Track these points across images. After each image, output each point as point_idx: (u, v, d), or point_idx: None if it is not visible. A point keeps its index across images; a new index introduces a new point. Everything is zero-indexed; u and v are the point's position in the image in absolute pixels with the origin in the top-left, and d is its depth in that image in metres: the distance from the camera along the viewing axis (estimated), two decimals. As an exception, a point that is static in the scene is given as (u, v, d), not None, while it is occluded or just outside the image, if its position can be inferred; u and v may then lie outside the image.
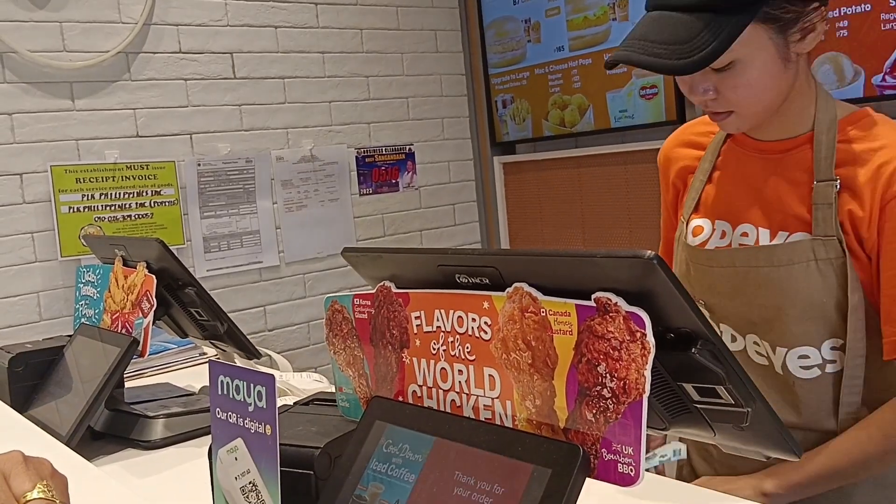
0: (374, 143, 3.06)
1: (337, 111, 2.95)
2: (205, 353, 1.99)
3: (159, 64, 2.57)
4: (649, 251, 0.62)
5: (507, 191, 3.26)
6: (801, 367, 1.08)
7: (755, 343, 1.11)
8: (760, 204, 1.11)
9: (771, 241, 1.08)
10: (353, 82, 2.99)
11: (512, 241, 3.28)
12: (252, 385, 0.84)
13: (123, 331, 1.44)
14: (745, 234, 1.12)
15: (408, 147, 3.15)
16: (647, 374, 0.63)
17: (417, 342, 0.84)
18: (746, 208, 1.13)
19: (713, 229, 1.16)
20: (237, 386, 0.86)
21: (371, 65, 3.03)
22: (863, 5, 2.05)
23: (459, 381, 0.80)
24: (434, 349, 0.82)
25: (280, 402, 1.03)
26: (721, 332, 1.15)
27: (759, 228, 1.11)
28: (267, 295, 2.78)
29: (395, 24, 3.10)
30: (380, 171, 3.07)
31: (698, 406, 0.71)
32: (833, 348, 1.06)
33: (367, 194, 3.05)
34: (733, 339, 1.15)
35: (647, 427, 0.74)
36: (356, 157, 3.01)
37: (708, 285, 1.15)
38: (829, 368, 1.07)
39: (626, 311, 0.64)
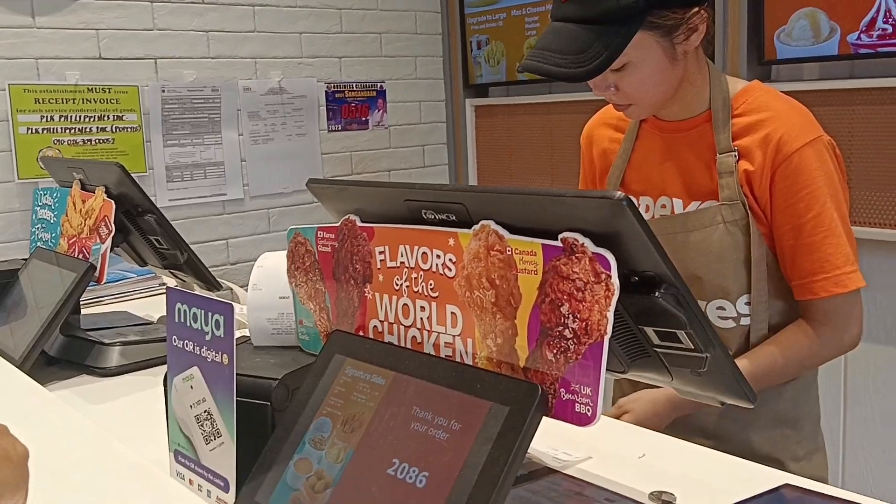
0: (345, 78, 3.00)
1: (307, 43, 2.88)
2: (164, 283, 1.97)
3: (124, -17, 2.47)
4: (619, 192, 0.62)
5: (478, 134, 3.23)
6: (718, 317, 1.21)
7: None
8: (674, 178, 1.24)
9: (685, 210, 1.23)
10: (325, 14, 2.91)
11: (481, 186, 3.27)
12: (210, 313, 0.82)
13: (80, 256, 1.41)
14: (663, 206, 1.26)
15: (379, 84, 3.09)
16: (610, 315, 0.63)
17: (380, 277, 0.83)
18: (663, 183, 1.26)
19: (637, 205, 1.27)
20: (195, 314, 0.85)
21: (344, -4, 2.96)
22: (844, -38, 2.04)
23: (421, 318, 0.79)
24: (397, 285, 0.81)
25: (239, 334, 1.02)
26: None
27: (674, 199, 1.24)
28: (230, 228, 2.74)
29: (370, -44, 3.01)
30: (349, 107, 3.02)
31: (658, 350, 0.71)
32: (747, 303, 1.19)
33: (335, 130, 2.99)
34: None
35: (606, 370, 0.74)
36: (326, 91, 2.95)
37: None
38: (743, 321, 1.20)
39: (593, 253, 0.63)
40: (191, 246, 1.38)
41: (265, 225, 2.82)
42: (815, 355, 1.20)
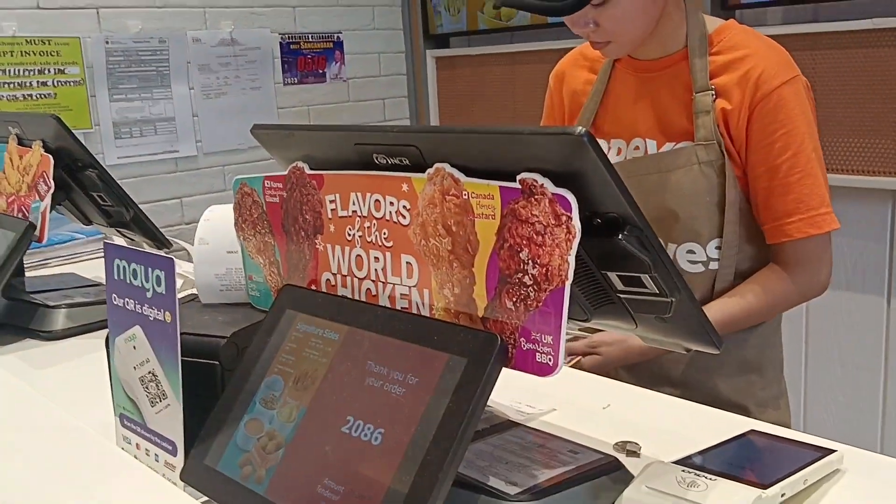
0: (300, 28, 2.90)
1: (260, -8, 2.78)
2: (115, 243, 1.90)
3: (61, -73, 2.34)
4: (580, 127, 0.58)
5: (440, 86, 3.16)
6: (688, 261, 1.20)
7: None
8: (648, 119, 1.21)
9: (659, 151, 1.20)
10: (277, -39, 2.80)
11: (442, 139, 3.21)
12: (150, 269, 0.77)
13: (20, 215, 1.35)
14: (636, 148, 1.23)
15: (336, 35, 3.00)
16: (571, 260, 0.59)
17: (332, 228, 0.79)
18: (636, 124, 1.23)
19: (609, 147, 1.25)
20: (134, 270, 0.80)
21: (297, -58, 2.85)
22: None
23: (375, 269, 0.75)
24: (349, 235, 0.77)
25: (189, 292, 0.97)
26: None
27: (648, 140, 1.21)
28: (183, 186, 2.66)
29: None
30: (306, 59, 2.92)
31: (622, 296, 0.68)
32: (717, 248, 1.18)
33: (291, 84, 2.90)
34: None
35: (569, 318, 0.71)
36: (280, 43, 2.85)
37: None
38: (712, 266, 1.19)
39: (553, 193, 0.60)
40: (143, 205, 1.32)
41: (220, 182, 2.74)
42: (789, 299, 1.19)
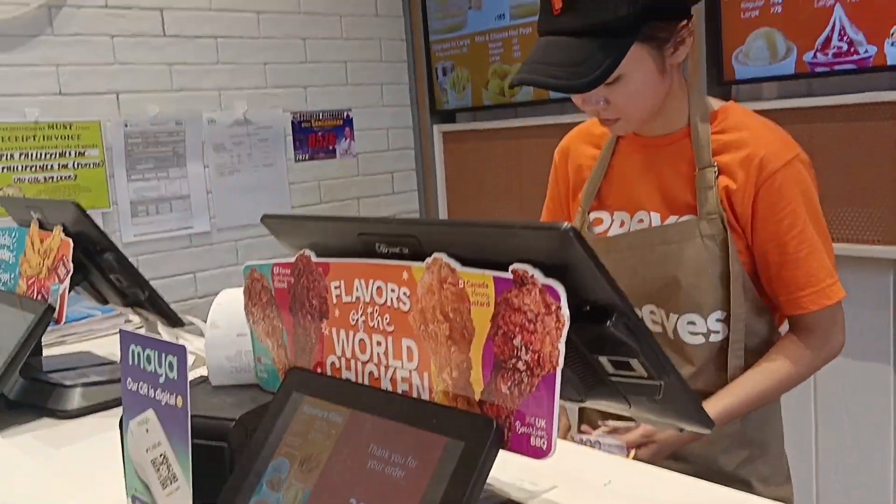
0: (311, 107, 2.99)
1: (272, 73, 2.88)
2: (131, 321, 1.94)
3: (84, 19, 2.44)
4: (566, 223, 0.62)
5: (447, 160, 3.24)
6: (689, 332, 1.22)
7: (651, 312, 1.25)
8: (652, 193, 1.25)
9: (662, 224, 1.23)
10: (289, 44, 2.91)
11: (450, 211, 3.27)
12: (163, 355, 0.81)
13: (39, 297, 1.39)
14: (641, 221, 1.26)
15: (346, 113, 3.10)
16: (561, 347, 0.62)
17: (337, 312, 0.83)
18: (641, 198, 1.26)
19: (612, 220, 1.29)
20: (148, 356, 0.83)
21: (308, 27, 2.96)
22: (797, -17, 2.08)
23: (378, 353, 0.78)
24: (353, 320, 0.81)
25: (201, 371, 1.01)
26: None
27: (652, 213, 1.24)
28: (197, 261, 2.71)
29: (333, -14, 3.02)
30: (316, 136, 3.01)
31: (613, 379, 0.71)
32: (718, 320, 1.20)
33: (303, 160, 2.99)
34: None
35: (564, 399, 0.74)
36: (292, 121, 2.95)
37: (611, 269, 1.23)
38: (713, 338, 1.21)
39: (543, 284, 0.63)
40: (158, 280, 1.37)
41: (233, 257, 2.80)
42: (811, 365, 1.22)
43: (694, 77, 2.30)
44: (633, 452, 1.15)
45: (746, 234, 1.19)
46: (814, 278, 1.17)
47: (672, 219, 1.22)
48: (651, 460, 1.13)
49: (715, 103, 1.25)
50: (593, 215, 1.31)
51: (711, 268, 1.19)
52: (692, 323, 1.21)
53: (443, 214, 3.29)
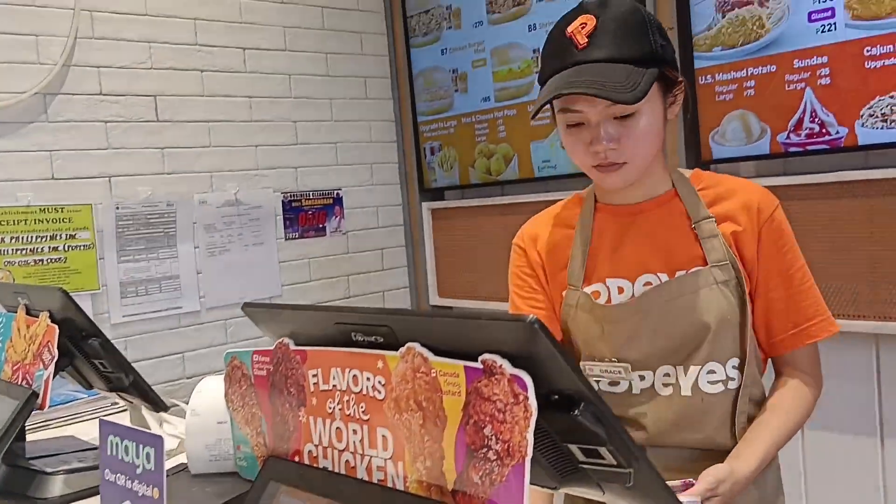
0: (302, 187, 3.05)
1: (263, 155, 2.94)
2: (117, 403, 1.93)
3: (79, 106, 2.51)
4: (532, 315, 0.64)
5: (436, 236, 3.28)
6: (709, 381, 1.21)
7: (665, 374, 1.23)
8: (652, 255, 1.24)
9: (674, 279, 1.22)
10: (280, 126, 2.98)
11: (440, 287, 3.29)
12: (141, 446, 0.82)
13: (24, 382, 1.39)
14: (647, 284, 1.24)
15: (336, 192, 3.15)
16: (530, 436, 0.63)
17: (314, 401, 0.83)
18: (641, 262, 1.25)
19: (608, 289, 1.27)
20: (126, 447, 0.84)
21: (299, 109, 3.04)
22: (768, 66, 2.16)
23: (354, 441, 0.79)
24: (330, 408, 0.82)
25: (181, 459, 1.01)
26: (631, 379, 1.25)
27: (659, 274, 1.23)
28: (186, 341, 2.71)
29: (324, 71, 3.11)
30: (307, 215, 3.06)
31: (584, 466, 0.72)
32: (734, 367, 1.21)
33: (293, 238, 3.02)
34: (642, 379, 1.25)
35: (538, 485, 0.74)
36: (283, 201, 2.99)
37: (626, 338, 1.24)
38: (731, 385, 1.22)
39: (511, 374, 0.65)
40: (145, 361, 1.37)
41: (222, 336, 2.80)
42: (812, 403, 1.24)
43: (671, 156, 2.36)
44: None
45: (752, 277, 1.22)
46: (820, 308, 1.22)
47: (681, 273, 1.22)
48: None
49: (686, 171, 1.30)
50: (588, 289, 1.28)
51: (730, 314, 1.20)
52: (712, 372, 1.21)
53: (432, 290, 3.31)
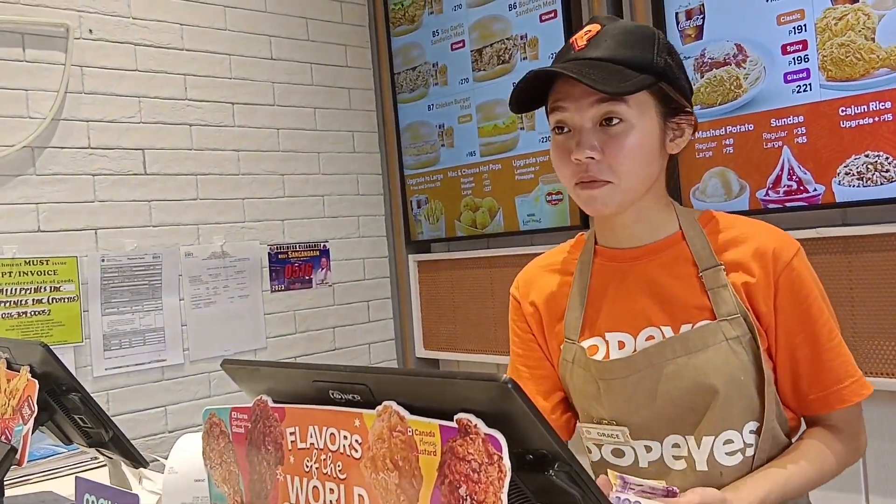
0: (289, 239, 3.06)
1: (250, 208, 2.96)
2: (96, 458, 1.90)
3: (67, 159, 2.53)
4: (505, 376, 0.65)
5: (422, 288, 3.29)
6: (726, 453, 1.09)
7: (675, 445, 1.12)
8: (655, 306, 1.13)
9: (678, 335, 1.10)
10: (268, 180, 3.01)
11: (426, 339, 3.29)
12: (116, 505, 0.81)
13: (3, 437, 1.38)
14: (650, 338, 1.13)
15: (322, 244, 3.16)
16: (504, 497, 0.64)
17: (292, 459, 0.83)
18: (642, 314, 1.14)
19: (607, 344, 1.16)
20: (101, 506, 0.83)
21: (287, 163, 3.07)
22: (746, 125, 2.21)
23: (331, 501, 0.79)
24: (307, 467, 0.82)
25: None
26: (634, 447, 1.14)
27: (663, 328, 1.12)
28: (169, 394, 2.69)
29: (312, 125, 3.15)
30: (293, 267, 3.06)
31: (560, 526, 0.72)
32: (751, 431, 1.10)
33: (278, 290, 3.02)
34: (648, 450, 1.14)
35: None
36: (269, 253, 3.00)
37: (624, 399, 1.13)
38: (749, 452, 1.10)
39: (485, 434, 0.65)
40: (127, 415, 1.35)
41: (206, 389, 2.78)
42: (842, 459, 1.12)
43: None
44: None
45: (769, 334, 1.10)
46: (851, 367, 1.10)
47: (686, 327, 1.10)
48: None
49: (695, 211, 1.19)
50: (586, 343, 1.18)
51: (742, 374, 1.08)
52: (729, 441, 1.09)
53: (418, 342, 3.30)
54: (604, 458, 1.18)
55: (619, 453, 1.16)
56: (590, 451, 1.21)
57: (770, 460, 1.10)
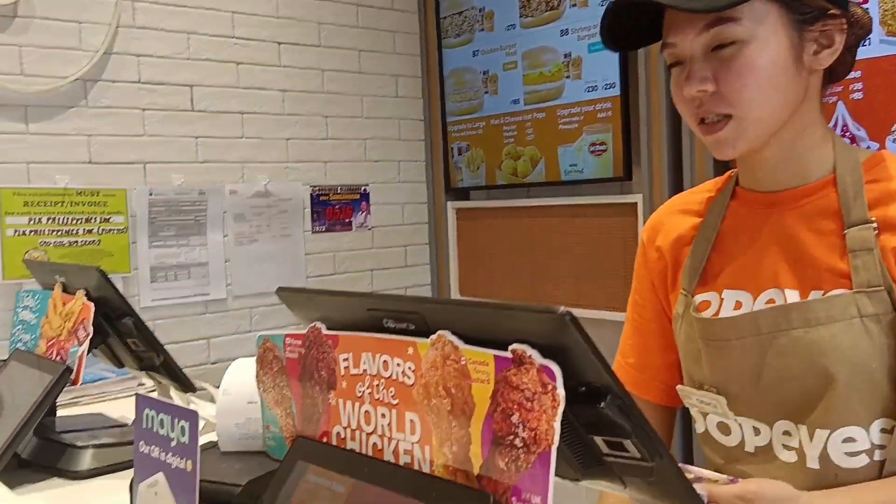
0: (330, 181, 3.08)
1: (294, 148, 2.98)
2: (144, 384, 1.97)
3: (117, 93, 2.56)
4: (563, 307, 0.65)
5: (459, 236, 3.30)
6: (846, 453, 0.91)
7: (785, 433, 0.94)
8: (785, 264, 0.97)
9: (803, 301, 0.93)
10: (312, 121, 3.02)
11: (462, 286, 3.31)
12: (176, 420, 0.84)
13: (58, 358, 1.43)
14: (770, 302, 0.96)
15: (363, 187, 3.18)
16: (557, 425, 0.65)
17: (344, 384, 0.86)
18: (769, 272, 0.97)
19: (721, 301, 1.00)
20: (161, 420, 0.87)
21: (331, 105, 3.07)
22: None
23: (382, 425, 0.81)
24: (359, 392, 0.84)
25: (209, 437, 1.04)
26: (741, 425, 0.99)
27: (787, 291, 0.95)
28: (212, 327, 2.76)
29: (356, 68, 3.15)
30: (334, 209, 3.09)
31: (607, 459, 0.73)
32: (883, 430, 0.89)
33: (319, 232, 3.06)
34: (756, 433, 0.97)
35: (560, 477, 0.76)
36: (311, 194, 3.03)
37: (725, 366, 0.98)
38: (878, 455, 0.89)
39: (540, 364, 0.66)
40: (172, 345, 1.40)
41: (247, 324, 2.84)
42: None
43: (699, 166, 2.35)
44: None
45: None
46: None
47: (816, 294, 0.93)
48: None
49: (864, 152, 0.98)
50: (699, 298, 1.02)
51: (875, 361, 0.88)
52: (850, 440, 0.90)
53: (454, 289, 3.33)
54: (709, 431, 1.04)
55: (725, 429, 1.01)
56: (695, 421, 1.07)
57: None
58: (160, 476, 0.86)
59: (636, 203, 2.54)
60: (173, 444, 0.84)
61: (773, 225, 0.99)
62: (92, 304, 1.39)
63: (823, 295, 0.91)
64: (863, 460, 0.90)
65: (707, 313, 1.01)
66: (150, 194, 2.61)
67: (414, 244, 3.36)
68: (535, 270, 2.98)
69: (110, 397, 1.91)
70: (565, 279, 2.85)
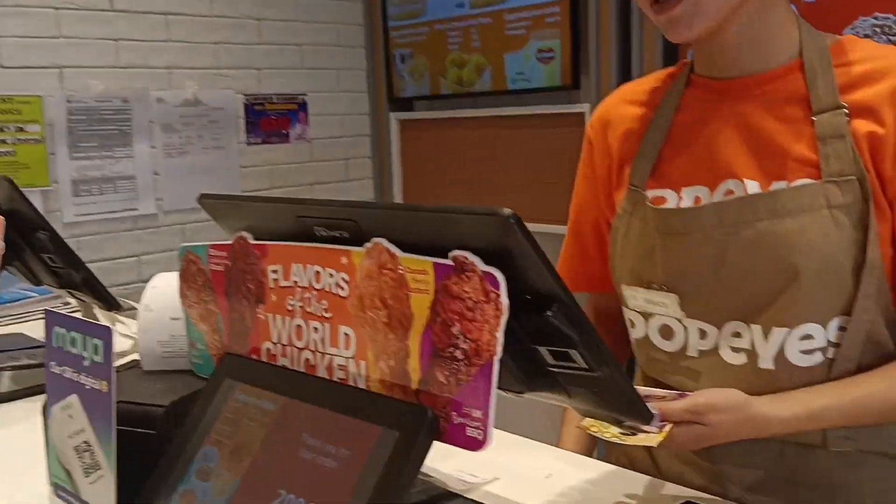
0: (265, 90, 2.94)
1: (225, 54, 2.81)
2: (69, 303, 1.88)
3: (27, -10, 2.37)
4: (507, 209, 0.60)
5: (403, 148, 3.21)
6: (801, 351, 0.86)
7: (735, 334, 0.89)
8: (745, 154, 0.90)
9: (766, 191, 0.87)
10: (243, 24, 2.85)
11: (406, 200, 3.25)
12: (88, 338, 0.77)
13: (-32, 276, 1.34)
14: (730, 192, 0.90)
15: (300, 97, 3.04)
16: (500, 336, 0.61)
17: (273, 297, 0.80)
18: (726, 162, 0.90)
19: (679, 199, 0.93)
20: (73, 338, 0.80)
21: (263, 7, 2.90)
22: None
23: (315, 340, 0.76)
24: (290, 305, 0.78)
25: (134, 356, 0.97)
26: (686, 328, 0.93)
27: (747, 181, 0.88)
28: (142, 244, 2.64)
29: (290, -33, 2.97)
30: (270, 120, 2.96)
31: (553, 370, 0.70)
32: (841, 328, 0.86)
33: (255, 143, 2.93)
34: (702, 335, 0.92)
35: (504, 390, 0.72)
36: (245, 104, 2.88)
37: (682, 262, 0.91)
38: (831, 353, 0.86)
39: (482, 271, 0.61)
40: (100, 263, 1.32)
41: (179, 240, 2.73)
42: None
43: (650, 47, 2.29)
44: (668, 427, 0.78)
45: (893, 206, 0.84)
46: None
47: (779, 184, 0.86)
48: (690, 445, 0.80)
49: (831, 37, 0.91)
50: (651, 194, 0.95)
51: (842, 254, 0.83)
52: (808, 337, 0.86)
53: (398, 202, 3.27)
54: (649, 336, 0.97)
55: (667, 333, 0.95)
56: (633, 325, 1.00)
57: (862, 370, 0.87)
58: (74, 398, 0.79)
59: (583, 113, 2.49)
60: (87, 363, 0.77)
61: (733, 113, 0.92)
62: (2, 218, 1.28)
63: (788, 185, 0.85)
64: (817, 358, 0.86)
65: (666, 206, 0.94)
66: (69, 101, 2.44)
67: (355, 157, 3.26)
68: (482, 184, 2.93)
69: (32, 318, 1.82)
70: (512, 192, 2.80)
